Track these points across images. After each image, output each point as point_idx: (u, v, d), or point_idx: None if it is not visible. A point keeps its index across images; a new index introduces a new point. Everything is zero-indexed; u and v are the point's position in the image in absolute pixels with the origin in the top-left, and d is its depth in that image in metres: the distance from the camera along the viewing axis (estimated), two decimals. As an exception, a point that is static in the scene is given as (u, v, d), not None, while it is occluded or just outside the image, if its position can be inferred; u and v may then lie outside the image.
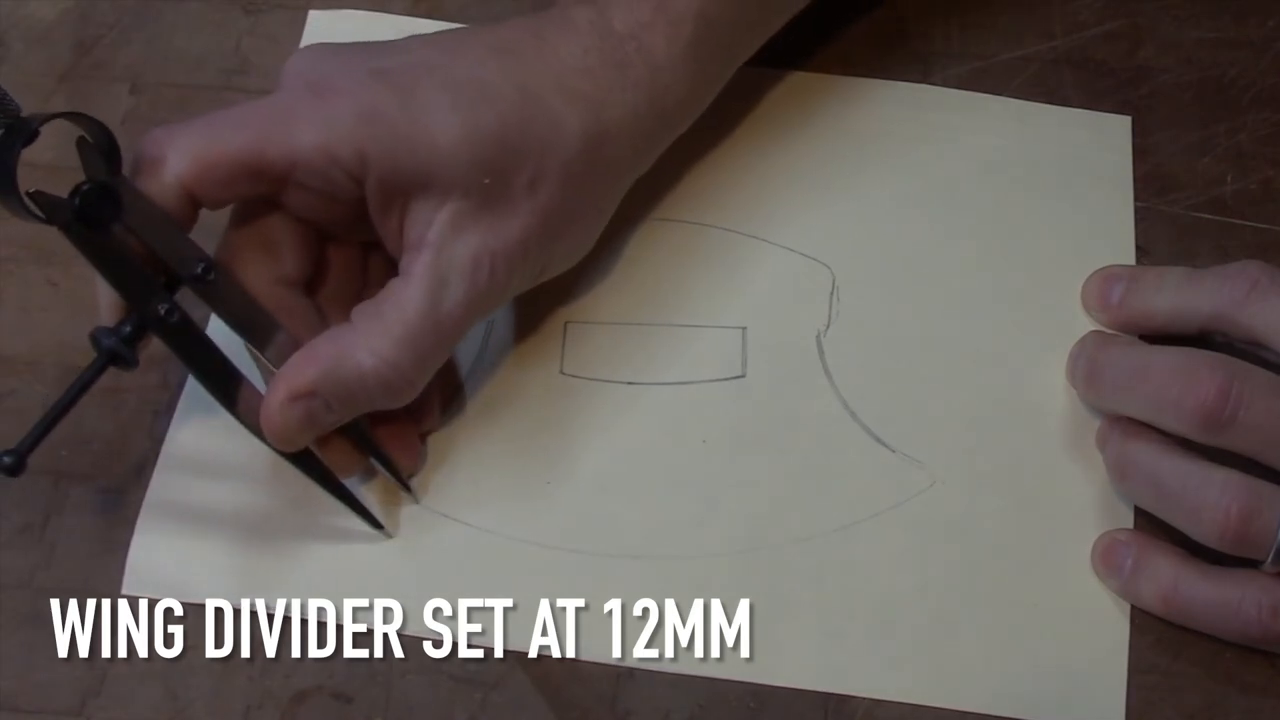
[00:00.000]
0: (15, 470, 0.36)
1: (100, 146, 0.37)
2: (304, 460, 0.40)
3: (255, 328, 0.39)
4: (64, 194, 0.36)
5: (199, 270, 0.39)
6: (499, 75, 0.40)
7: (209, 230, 0.40)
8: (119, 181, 0.37)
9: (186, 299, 0.39)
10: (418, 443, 0.43)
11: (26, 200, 0.35)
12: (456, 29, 0.43)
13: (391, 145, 0.38)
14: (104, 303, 0.39)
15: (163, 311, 0.38)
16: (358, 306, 0.40)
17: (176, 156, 0.38)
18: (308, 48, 0.41)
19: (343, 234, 0.42)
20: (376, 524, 0.41)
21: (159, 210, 0.38)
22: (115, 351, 0.38)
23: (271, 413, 0.38)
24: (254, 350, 0.40)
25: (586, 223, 0.43)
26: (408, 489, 0.42)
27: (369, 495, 0.42)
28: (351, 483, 0.42)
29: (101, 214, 0.37)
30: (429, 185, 0.39)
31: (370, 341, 0.39)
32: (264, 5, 0.52)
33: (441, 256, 0.39)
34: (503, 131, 0.39)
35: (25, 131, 0.35)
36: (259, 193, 0.39)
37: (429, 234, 0.39)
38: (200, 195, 0.38)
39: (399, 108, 0.38)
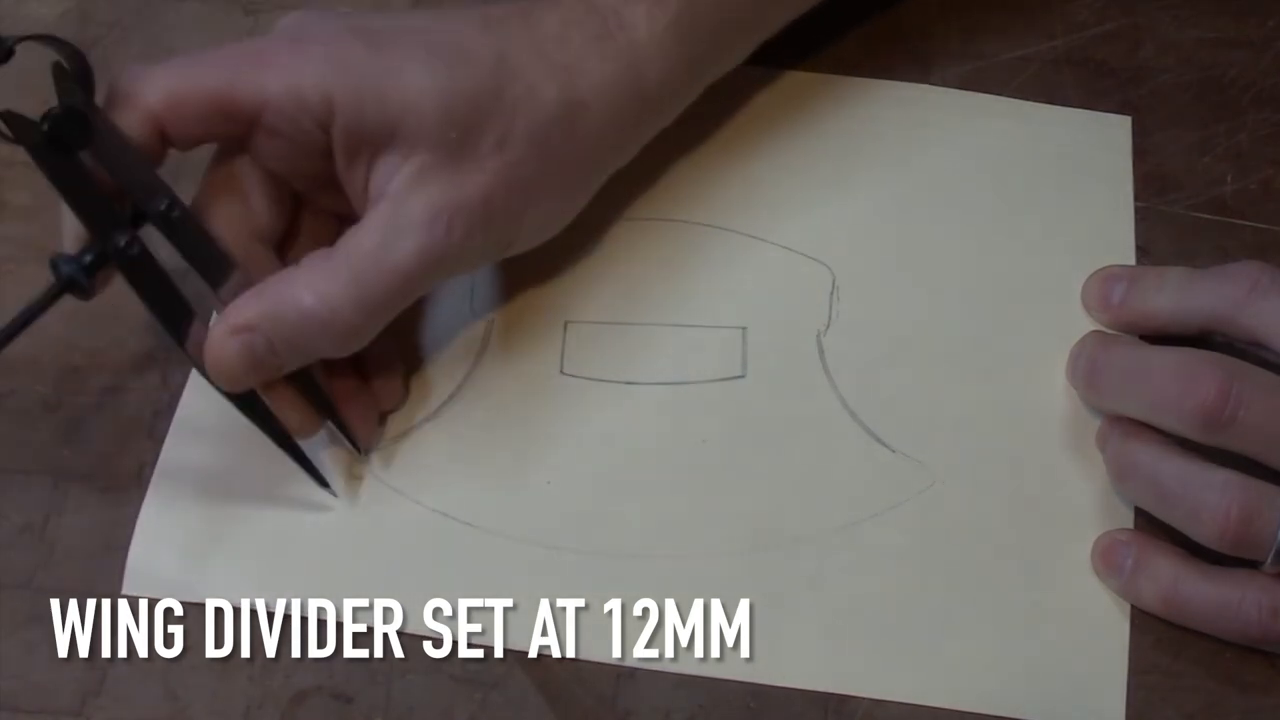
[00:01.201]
0: None
1: (75, 73, 0.37)
2: (257, 413, 0.40)
3: (214, 268, 0.40)
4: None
5: (163, 206, 0.39)
6: (478, 43, 0.40)
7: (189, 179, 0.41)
8: (91, 109, 0.38)
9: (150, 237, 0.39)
10: (375, 415, 0.43)
11: None
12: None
13: (359, 94, 0.39)
14: (68, 231, 0.39)
15: (123, 243, 0.38)
16: (311, 252, 0.40)
17: (150, 90, 0.38)
18: (301, 11, 0.42)
19: (314, 195, 0.43)
20: (324, 483, 0.42)
21: (129, 143, 0.38)
22: (73, 279, 0.38)
23: (212, 344, 0.39)
24: (211, 291, 0.40)
25: (558, 195, 0.43)
26: (360, 452, 0.43)
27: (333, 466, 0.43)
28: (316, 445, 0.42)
29: (71, 139, 0.37)
30: (395, 138, 0.39)
31: (313, 280, 0.39)
32: (264, 5, 0.52)
33: (399, 206, 0.39)
34: (474, 90, 0.39)
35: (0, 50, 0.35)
36: (228, 133, 0.40)
37: (391, 185, 0.39)
38: (170, 131, 0.39)
39: (371, 60, 0.39)
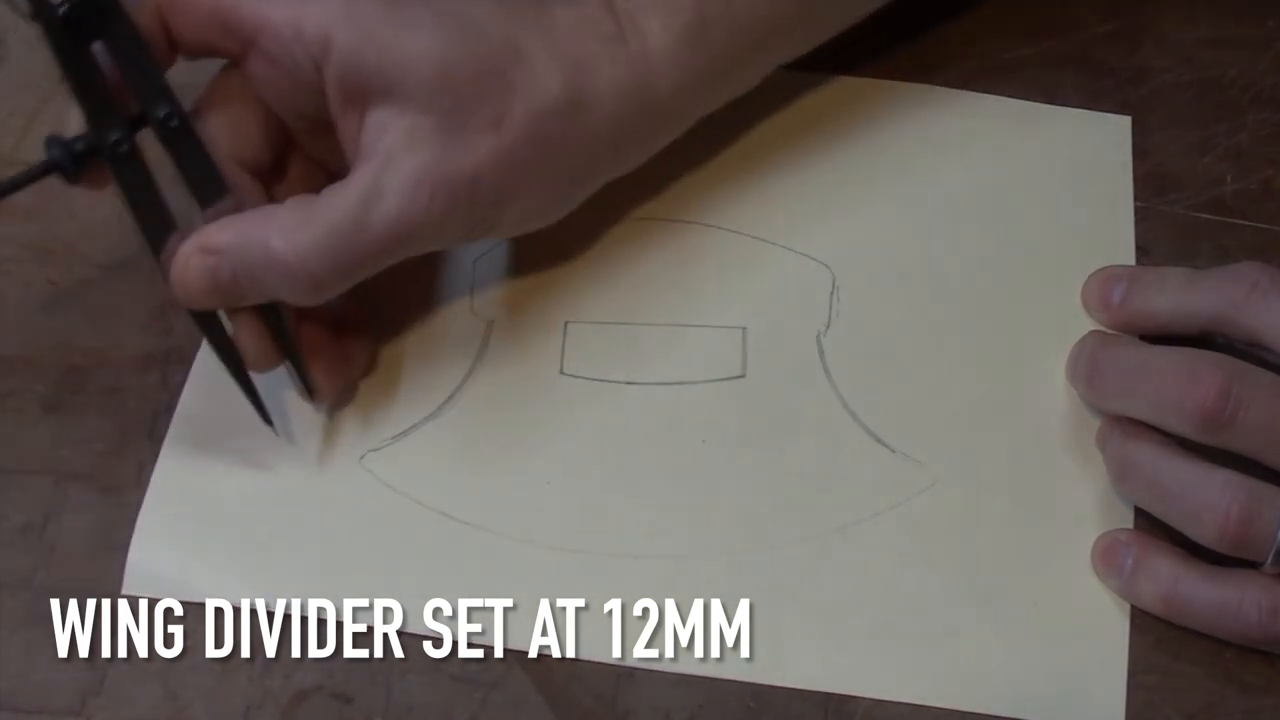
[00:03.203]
0: None
1: None
2: (215, 336, 0.41)
3: (205, 186, 0.40)
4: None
5: (163, 114, 0.39)
6: (490, 21, 0.40)
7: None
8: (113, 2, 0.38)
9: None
10: (339, 372, 0.43)
11: None
12: None
13: (360, 39, 0.39)
14: (72, 117, 0.39)
15: (114, 139, 0.39)
16: (294, 195, 0.40)
17: None
18: None
19: (307, 141, 0.43)
20: (268, 420, 0.42)
21: (141, 41, 0.39)
22: (57, 161, 0.39)
23: (179, 259, 0.39)
24: (198, 209, 0.41)
25: (549, 190, 0.42)
26: (311, 399, 0.43)
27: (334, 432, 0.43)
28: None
29: (86, 25, 0.38)
30: (390, 93, 0.39)
31: (287, 225, 0.39)
32: None
33: (384, 168, 0.39)
34: (476, 62, 0.39)
35: None
36: (226, 49, 0.40)
37: (380, 144, 0.39)
38: (174, 31, 0.40)
39: (379, 13, 0.39)
